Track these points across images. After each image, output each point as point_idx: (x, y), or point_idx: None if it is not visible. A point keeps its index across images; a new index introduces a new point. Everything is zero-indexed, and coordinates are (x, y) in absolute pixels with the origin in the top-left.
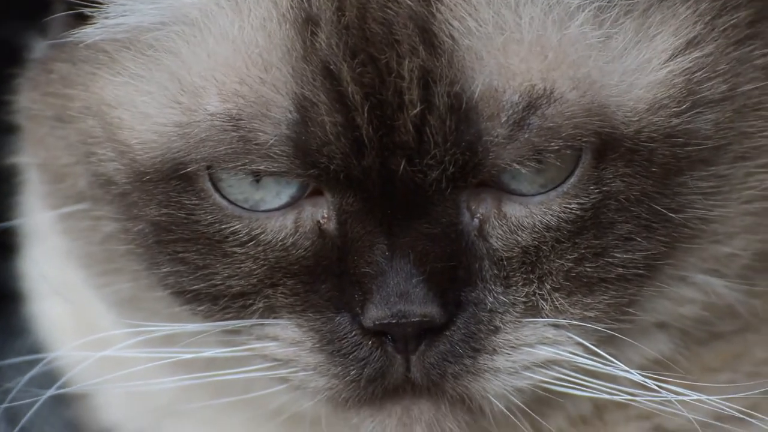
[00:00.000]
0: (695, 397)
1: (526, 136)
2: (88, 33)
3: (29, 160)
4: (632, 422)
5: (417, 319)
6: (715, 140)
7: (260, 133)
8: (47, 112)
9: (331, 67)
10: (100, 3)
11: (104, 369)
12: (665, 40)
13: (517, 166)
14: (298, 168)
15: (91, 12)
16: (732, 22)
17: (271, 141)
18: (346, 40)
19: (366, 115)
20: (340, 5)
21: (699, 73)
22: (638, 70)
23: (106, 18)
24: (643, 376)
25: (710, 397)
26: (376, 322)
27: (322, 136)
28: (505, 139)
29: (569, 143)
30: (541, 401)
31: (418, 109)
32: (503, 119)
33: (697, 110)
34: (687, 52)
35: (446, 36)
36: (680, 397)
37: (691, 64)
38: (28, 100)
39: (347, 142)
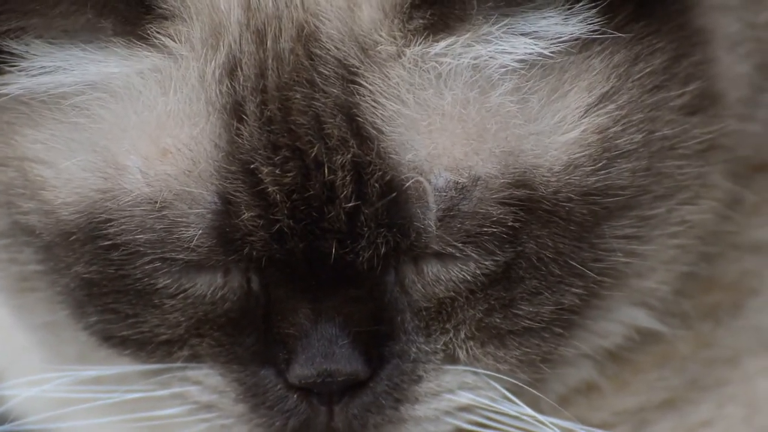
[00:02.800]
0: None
1: (458, 223)
2: (6, 85)
3: None
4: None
5: (342, 377)
6: (632, 189)
7: (183, 228)
8: None
9: (252, 166)
10: (20, 57)
11: (45, 405)
12: (579, 96)
13: (450, 250)
14: (220, 255)
15: (9, 67)
16: (648, 69)
17: (198, 235)
18: (267, 135)
19: (287, 210)
20: (263, 98)
21: (614, 128)
22: (553, 131)
23: (25, 74)
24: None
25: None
26: (302, 381)
27: (243, 228)
28: (437, 224)
29: (495, 219)
30: None
31: (352, 203)
32: (432, 205)
33: (614, 164)
34: (601, 106)
35: (371, 125)
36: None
37: (605, 120)
38: None
39: (268, 233)
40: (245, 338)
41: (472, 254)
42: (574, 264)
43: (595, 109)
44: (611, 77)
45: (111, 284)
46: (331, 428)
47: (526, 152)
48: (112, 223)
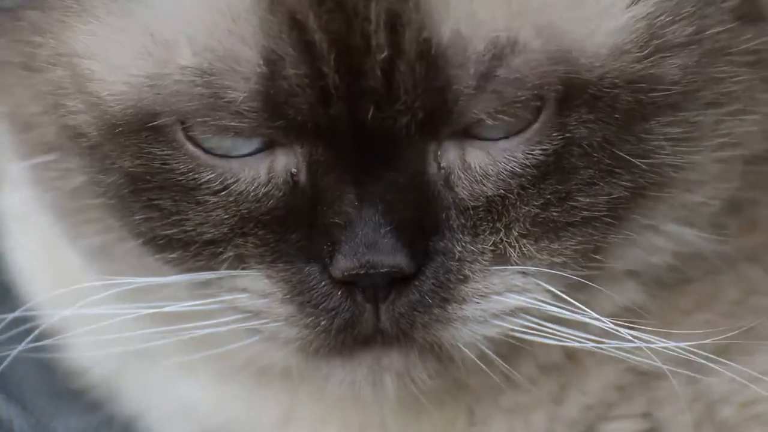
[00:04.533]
0: (662, 345)
1: (494, 87)
2: None
3: None
4: (605, 365)
5: (386, 269)
6: (682, 85)
7: (230, 90)
8: (15, 59)
9: (298, 16)
10: None
11: (79, 322)
12: None
13: (487, 119)
14: (267, 121)
15: None
16: None
17: (242, 98)
18: None
19: (333, 62)
20: None
21: (662, 17)
22: (600, 16)
23: None
24: (614, 324)
25: (679, 344)
26: (345, 273)
27: (289, 88)
28: (474, 90)
29: (536, 92)
30: (512, 349)
31: (386, 53)
32: (471, 70)
33: (662, 54)
34: None
35: None
36: (649, 345)
37: (653, 8)
38: None
39: (313, 92)
40: (290, 235)
41: (514, 129)
42: (622, 154)
43: None
44: None
45: (155, 179)
46: (379, 330)
47: (571, 33)
48: (161, 105)
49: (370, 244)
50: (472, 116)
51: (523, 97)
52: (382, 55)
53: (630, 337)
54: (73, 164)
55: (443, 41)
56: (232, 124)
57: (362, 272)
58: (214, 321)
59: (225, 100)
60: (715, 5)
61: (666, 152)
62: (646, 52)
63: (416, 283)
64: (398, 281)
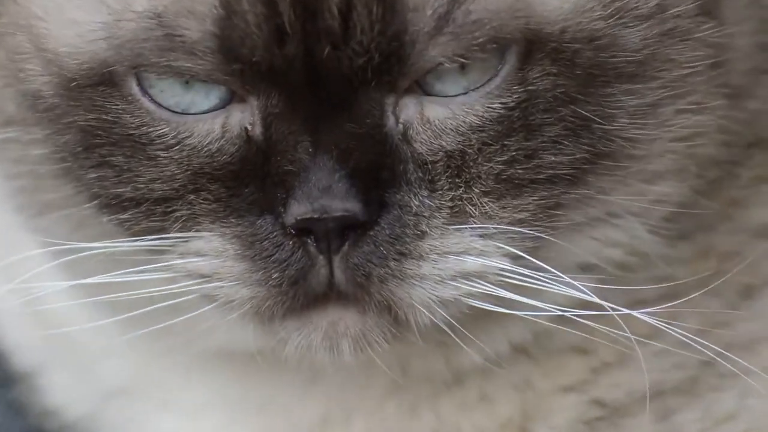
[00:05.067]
0: (627, 312)
1: (451, 29)
2: None
3: None
4: (575, 357)
5: (339, 213)
6: (642, 55)
7: (185, 30)
8: None
9: None
10: None
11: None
12: None
13: (444, 61)
14: (222, 64)
15: None
16: None
17: (196, 37)
18: None
19: (289, 0)
20: None
21: None
22: None
23: None
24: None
25: (643, 311)
26: (298, 218)
27: (245, 27)
28: (431, 32)
29: (493, 38)
30: (477, 326)
31: None
32: (428, 12)
33: (624, 20)
34: None
35: None
36: (618, 311)
37: None
38: None
39: (269, 31)
40: (243, 189)
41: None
42: (584, 113)
43: None
44: None
45: (107, 135)
46: (332, 286)
47: None
48: (116, 54)
49: (323, 189)
50: (429, 60)
51: (480, 40)
52: None
53: (593, 296)
54: (32, 136)
55: None
56: (187, 65)
57: (315, 216)
58: (168, 287)
59: (180, 40)
60: None
61: (623, 121)
62: (608, 12)
63: (371, 233)
64: (352, 231)
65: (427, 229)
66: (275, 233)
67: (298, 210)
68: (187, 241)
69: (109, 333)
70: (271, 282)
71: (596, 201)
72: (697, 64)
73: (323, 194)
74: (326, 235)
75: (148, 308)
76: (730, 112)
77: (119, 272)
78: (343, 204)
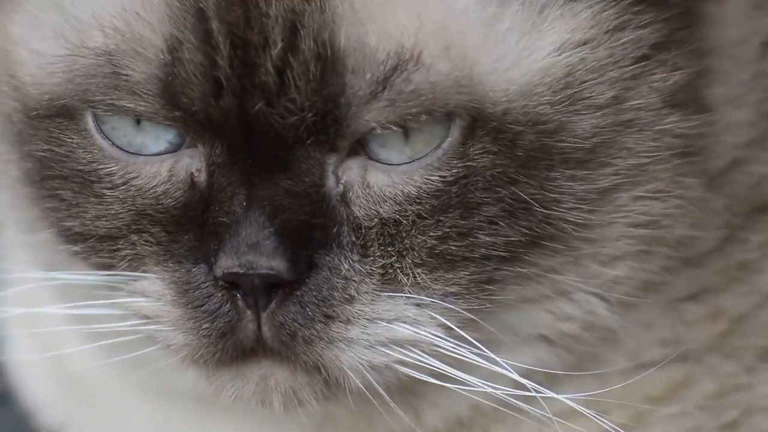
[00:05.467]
0: (555, 396)
1: (388, 95)
2: None
3: None
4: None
5: (264, 271)
6: (591, 143)
7: (130, 70)
8: None
9: (201, 4)
10: None
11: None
12: (558, 35)
13: (376, 126)
14: (164, 109)
15: None
16: (632, 37)
17: (139, 78)
18: None
19: (227, 53)
20: None
21: (583, 72)
22: (518, 55)
23: None
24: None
25: (568, 399)
26: (225, 271)
27: (185, 76)
28: (368, 97)
29: (430, 110)
30: (415, 395)
31: (279, 48)
32: (368, 76)
33: (576, 108)
34: (576, 50)
35: None
36: (547, 395)
37: (577, 62)
38: None
39: (207, 83)
40: (184, 235)
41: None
42: (523, 195)
43: (570, 50)
44: (594, 28)
45: (59, 167)
46: (261, 340)
47: (483, 65)
48: (70, 87)
49: (251, 244)
50: (363, 124)
51: (415, 110)
52: (276, 50)
53: (513, 374)
54: (9, 156)
55: (344, 46)
56: (130, 105)
57: (241, 272)
58: (116, 324)
59: (125, 79)
60: (645, 83)
61: (567, 207)
62: (558, 98)
63: (298, 293)
64: (279, 289)
65: (356, 294)
66: (207, 284)
67: (225, 263)
68: (135, 280)
69: (127, 385)
70: (201, 332)
71: (545, 279)
72: (657, 154)
73: (250, 250)
74: (252, 290)
75: (104, 342)
76: (711, 192)
77: (71, 304)
78: (268, 261)
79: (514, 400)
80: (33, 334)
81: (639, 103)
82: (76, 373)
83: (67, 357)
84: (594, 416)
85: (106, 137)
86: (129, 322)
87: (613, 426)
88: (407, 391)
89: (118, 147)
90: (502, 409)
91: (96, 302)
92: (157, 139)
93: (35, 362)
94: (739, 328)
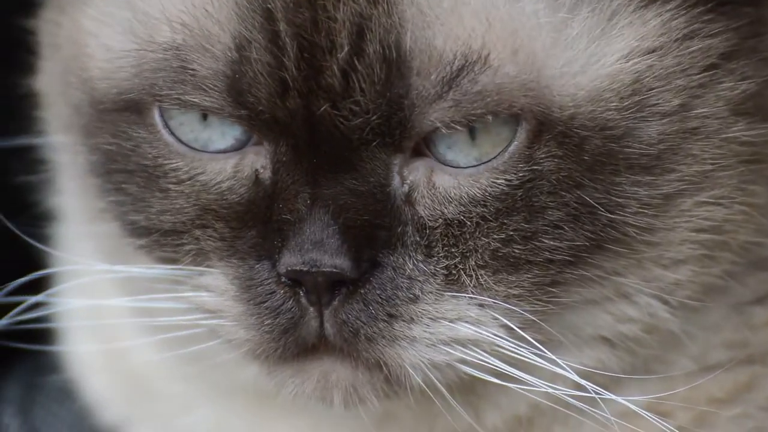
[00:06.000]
0: (615, 398)
1: (454, 96)
2: None
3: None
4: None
5: (327, 269)
6: (657, 149)
7: (198, 65)
8: (46, 38)
9: (269, 5)
10: None
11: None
12: (626, 42)
13: (441, 126)
14: (230, 106)
15: None
16: (701, 46)
17: (206, 73)
18: None
19: (294, 55)
20: None
21: (651, 80)
22: (589, 62)
23: None
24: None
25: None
26: (289, 268)
27: (252, 75)
28: (433, 97)
29: (495, 111)
30: (476, 394)
31: (345, 52)
32: (434, 76)
33: (642, 114)
34: (645, 57)
35: None
36: (609, 396)
37: (645, 69)
38: (39, 25)
39: (273, 83)
40: (247, 231)
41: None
42: (588, 200)
43: (638, 57)
44: (663, 36)
45: (124, 160)
46: (323, 337)
47: (551, 68)
48: (138, 82)
49: (316, 242)
50: (427, 124)
51: (480, 112)
52: (342, 54)
53: (572, 374)
54: (79, 146)
55: (411, 49)
56: (196, 100)
57: (305, 269)
58: (179, 317)
59: (191, 73)
60: (712, 91)
61: (631, 211)
62: (625, 104)
63: (362, 291)
64: (342, 286)
65: (420, 294)
66: (270, 280)
67: (289, 260)
68: (199, 275)
69: (188, 384)
70: (263, 328)
71: (607, 281)
72: (722, 161)
73: (314, 247)
74: (316, 288)
75: (166, 335)
76: None
77: (135, 297)
78: (332, 259)
79: (575, 401)
80: (94, 327)
81: (706, 112)
82: (138, 370)
83: (129, 353)
84: (654, 419)
85: (172, 133)
86: (192, 316)
87: (673, 428)
88: (468, 390)
89: (184, 143)
90: (562, 409)
91: (160, 296)
92: (223, 135)
93: (96, 357)
94: None
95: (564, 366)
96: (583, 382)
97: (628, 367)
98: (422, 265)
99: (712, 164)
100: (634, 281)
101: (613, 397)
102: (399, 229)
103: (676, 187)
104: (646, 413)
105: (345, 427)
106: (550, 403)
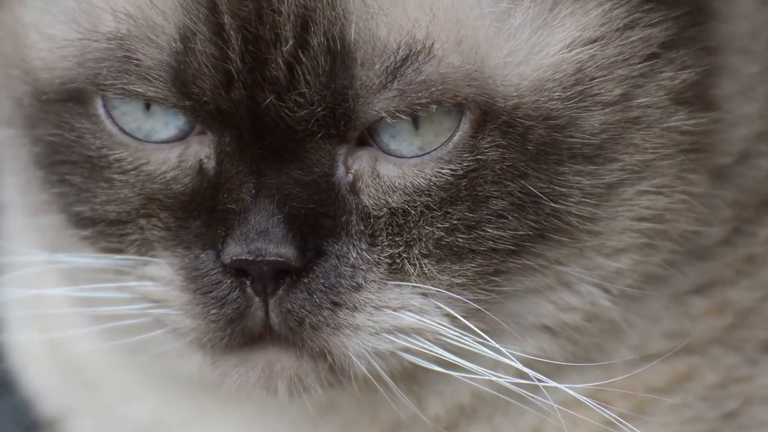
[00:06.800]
0: (557, 386)
1: (398, 85)
2: None
3: None
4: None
5: (272, 257)
6: (599, 139)
7: (142, 55)
8: None
9: None
10: None
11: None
12: (568, 32)
13: (386, 116)
14: (175, 97)
15: None
16: (642, 36)
17: (151, 63)
18: None
19: (238, 47)
20: None
21: (593, 69)
22: (532, 52)
23: None
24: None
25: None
26: (234, 258)
27: (197, 67)
28: (377, 87)
29: (439, 100)
30: (419, 383)
31: (290, 44)
32: (378, 67)
33: (585, 104)
34: (587, 46)
35: None
36: (553, 385)
37: (587, 59)
38: None
39: (218, 75)
40: (192, 221)
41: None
42: (532, 189)
43: (580, 47)
44: (605, 26)
45: (68, 151)
46: (268, 326)
47: (494, 58)
48: (81, 71)
49: (260, 232)
50: (372, 113)
51: (424, 101)
52: (287, 47)
53: (516, 362)
54: (21, 139)
55: (355, 40)
56: (140, 89)
57: (250, 258)
58: (124, 307)
59: (135, 63)
60: (653, 81)
61: (574, 200)
62: (568, 94)
63: (306, 280)
64: (287, 275)
65: (363, 282)
66: (215, 270)
67: (234, 250)
68: (144, 265)
69: (130, 374)
70: (209, 317)
71: (550, 270)
72: (663, 150)
73: (259, 237)
74: (261, 277)
75: (109, 325)
76: (718, 186)
77: (78, 287)
78: (277, 248)
79: (518, 388)
80: (35, 318)
81: (647, 101)
82: (78, 361)
83: (69, 343)
84: (595, 406)
85: (116, 123)
86: (137, 306)
87: (615, 416)
88: (411, 379)
89: (127, 133)
90: (504, 397)
91: (104, 285)
92: (166, 124)
93: (36, 348)
94: (744, 321)
95: (506, 353)
96: (525, 369)
97: (569, 355)
98: (366, 254)
99: (653, 153)
100: (575, 270)
101: (554, 384)
102: (343, 218)
103: (618, 177)
104: (587, 400)
105: (288, 417)
106: (492, 391)
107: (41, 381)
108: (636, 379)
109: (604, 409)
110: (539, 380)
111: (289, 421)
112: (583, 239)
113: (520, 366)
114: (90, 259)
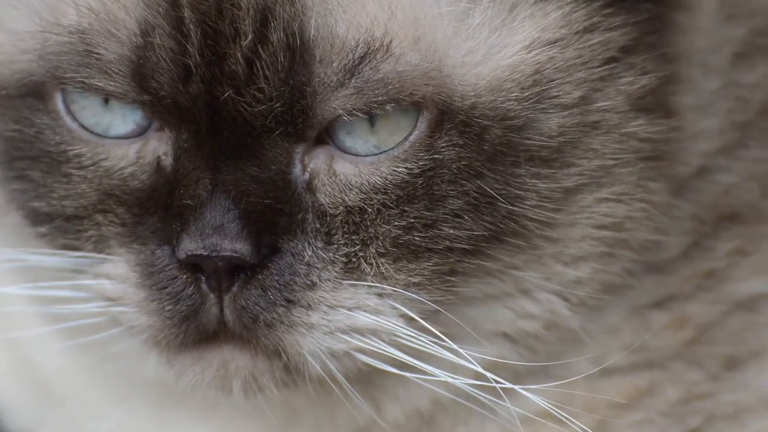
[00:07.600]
0: (514, 387)
1: (356, 83)
2: None
3: None
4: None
5: (227, 253)
6: (557, 142)
7: (103, 49)
8: None
9: None
10: None
11: None
12: (528, 33)
13: (343, 113)
14: (134, 91)
15: None
16: (601, 39)
17: (111, 57)
18: None
19: (197, 42)
20: None
21: (551, 71)
22: (490, 52)
23: None
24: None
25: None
26: (188, 253)
27: (156, 61)
28: (335, 84)
29: (397, 98)
30: (375, 386)
31: (249, 39)
32: (336, 64)
33: (543, 106)
34: (545, 48)
35: None
36: (505, 386)
37: (546, 60)
38: None
39: (176, 69)
40: (148, 217)
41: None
42: (488, 190)
43: (539, 48)
44: (564, 28)
45: (27, 147)
46: (223, 324)
47: (452, 58)
48: (42, 65)
49: (216, 227)
50: (329, 111)
51: (382, 99)
52: (246, 41)
53: (477, 366)
54: None
55: (314, 37)
56: (100, 84)
57: (205, 254)
58: (80, 306)
59: (95, 57)
60: (612, 85)
61: (530, 204)
62: (526, 95)
63: (260, 277)
64: (241, 272)
65: (318, 281)
66: (171, 266)
67: (189, 245)
68: (100, 263)
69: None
70: (164, 314)
71: (507, 275)
72: (622, 157)
73: (214, 232)
74: (216, 273)
75: (66, 324)
76: (677, 199)
77: (33, 284)
78: (232, 244)
79: (476, 392)
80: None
81: (606, 105)
82: (45, 375)
83: (35, 356)
84: (563, 416)
85: (75, 118)
86: (93, 304)
87: (582, 426)
88: (367, 382)
89: (86, 128)
90: (463, 401)
91: (60, 283)
92: (124, 119)
93: (3, 362)
94: (704, 337)
95: (465, 355)
96: (484, 371)
97: (528, 364)
98: (321, 252)
99: (612, 159)
100: (534, 277)
101: (515, 387)
102: (299, 216)
103: (576, 182)
104: (544, 402)
105: (251, 425)
106: (451, 395)
107: (8, 396)
108: (596, 392)
109: (569, 420)
110: (497, 381)
111: (253, 428)
112: (540, 245)
113: (478, 368)
114: (46, 256)
